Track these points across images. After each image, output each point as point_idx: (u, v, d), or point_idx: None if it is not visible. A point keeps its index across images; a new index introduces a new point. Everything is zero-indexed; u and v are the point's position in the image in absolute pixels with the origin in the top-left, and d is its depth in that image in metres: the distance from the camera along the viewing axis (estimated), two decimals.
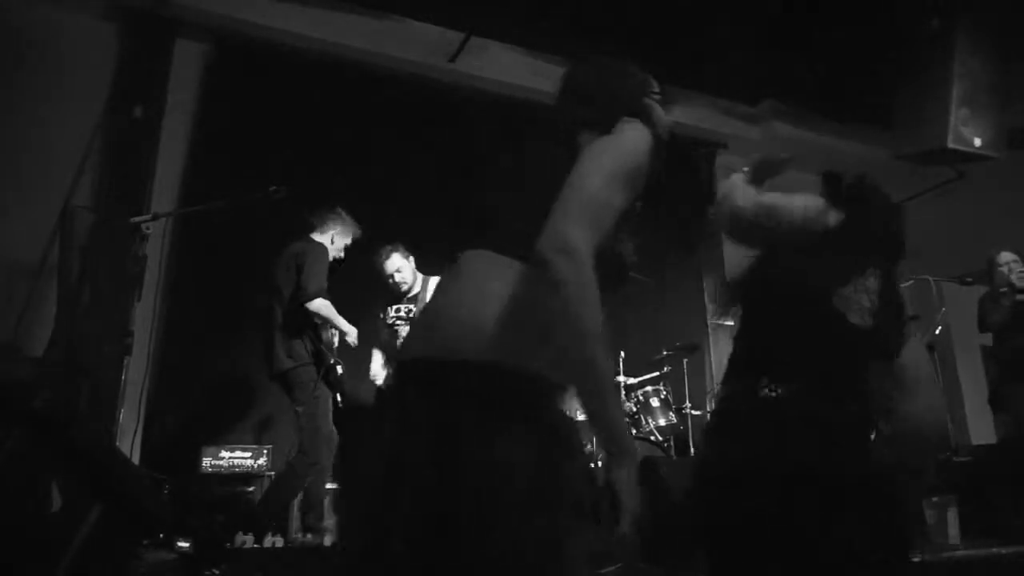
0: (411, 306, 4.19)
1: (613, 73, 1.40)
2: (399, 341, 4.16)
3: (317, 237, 3.88)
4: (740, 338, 1.74)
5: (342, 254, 4.00)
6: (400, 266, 4.21)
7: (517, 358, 1.10)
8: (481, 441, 1.06)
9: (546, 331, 1.08)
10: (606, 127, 1.21)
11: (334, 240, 3.93)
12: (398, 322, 4.21)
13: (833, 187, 1.81)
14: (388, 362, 4.26)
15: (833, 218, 1.73)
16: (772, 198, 1.83)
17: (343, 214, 4.01)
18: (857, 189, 1.83)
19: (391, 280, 4.21)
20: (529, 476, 1.06)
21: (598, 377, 1.08)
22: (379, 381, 4.24)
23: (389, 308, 4.29)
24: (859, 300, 1.60)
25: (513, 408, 1.08)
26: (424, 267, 4.44)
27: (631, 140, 1.21)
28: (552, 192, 1.13)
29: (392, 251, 4.23)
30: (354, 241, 4.08)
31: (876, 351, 1.61)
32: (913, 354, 1.68)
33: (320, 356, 3.64)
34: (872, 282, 1.64)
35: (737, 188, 1.89)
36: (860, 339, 1.57)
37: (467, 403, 1.08)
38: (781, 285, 1.71)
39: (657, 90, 1.44)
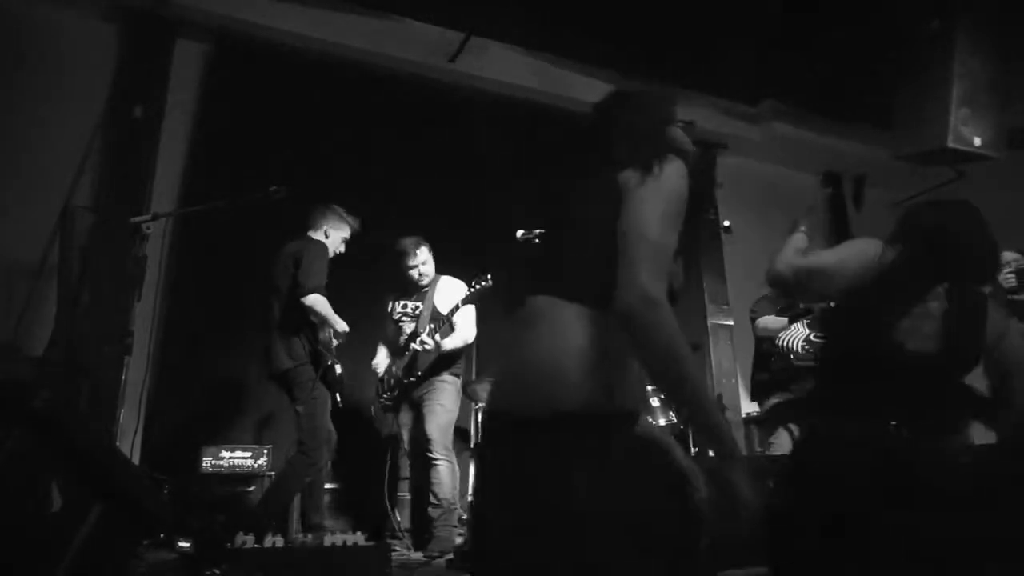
0: (418, 303, 4.18)
1: (648, 110, 1.48)
2: (403, 337, 4.15)
3: (314, 235, 3.87)
4: (821, 382, 1.92)
5: (342, 248, 3.99)
6: (426, 259, 4.21)
7: (602, 403, 1.20)
8: (587, 487, 1.15)
9: (623, 372, 1.23)
10: (646, 165, 1.30)
11: (329, 235, 3.91)
12: (404, 318, 4.20)
13: (902, 225, 1.96)
14: (391, 355, 4.25)
15: (888, 256, 1.86)
16: (820, 259, 1.96)
17: (338, 210, 3.99)
18: (912, 220, 1.99)
19: (416, 272, 4.17)
20: (634, 513, 1.16)
21: (697, 394, 1.20)
22: (380, 371, 4.23)
23: (396, 303, 4.28)
24: (920, 327, 1.70)
25: (607, 450, 1.19)
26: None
27: (674, 179, 1.32)
28: (604, 234, 1.25)
29: (420, 243, 4.21)
30: (353, 235, 4.05)
31: (950, 370, 1.73)
32: (1014, 340, 1.79)
33: (317, 356, 3.63)
34: (935, 306, 1.74)
35: (782, 255, 2.06)
36: (926, 364, 1.68)
37: (566, 453, 1.17)
38: (844, 328, 1.84)
39: (683, 119, 1.55)
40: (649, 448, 1.28)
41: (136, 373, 3.68)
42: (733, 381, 6.29)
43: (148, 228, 3.37)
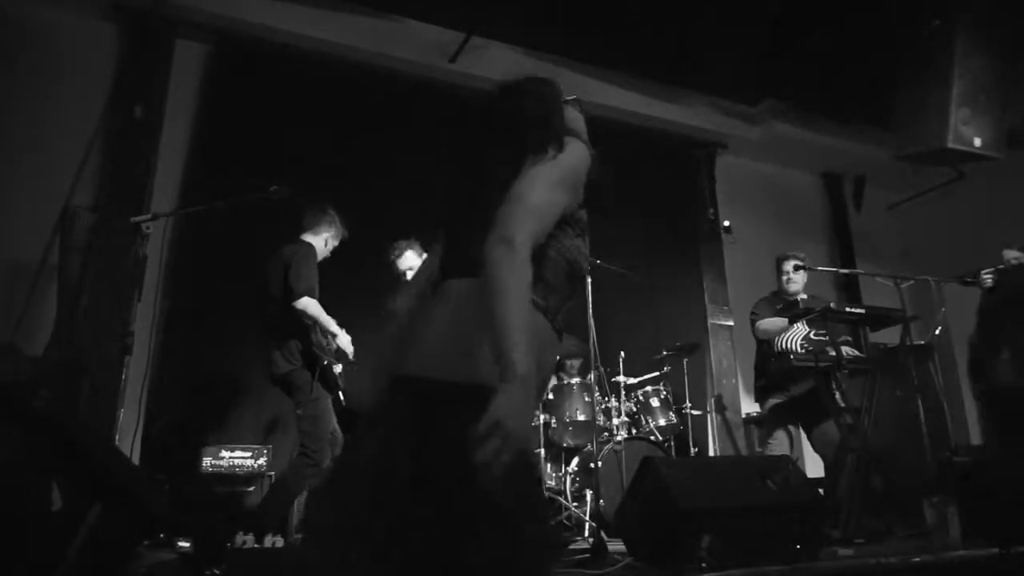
0: None
1: (535, 97, 1.55)
2: None
3: (308, 238, 3.86)
4: None
5: (328, 255, 3.97)
6: (414, 263, 4.18)
7: (480, 372, 1.21)
8: (452, 445, 1.14)
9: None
10: (541, 147, 1.36)
11: (328, 243, 3.91)
12: None
13: None
14: None
15: None
16: None
17: (334, 215, 3.98)
18: None
19: (403, 277, 4.18)
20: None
21: (510, 325, 1.14)
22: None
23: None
24: None
25: (476, 413, 1.13)
26: None
27: (567, 155, 1.38)
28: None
29: (407, 247, 4.18)
30: (342, 243, 4.03)
31: None
32: None
33: (311, 357, 3.62)
34: None
35: None
36: None
37: (443, 411, 1.21)
38: None
39: (570, 96, 1.62)
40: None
41: (136, 373, 3.68)
42: (733, 381, 6.29)
43: (148, 228, 3.36)
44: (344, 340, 3.78)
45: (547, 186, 1.31)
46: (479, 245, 1.24)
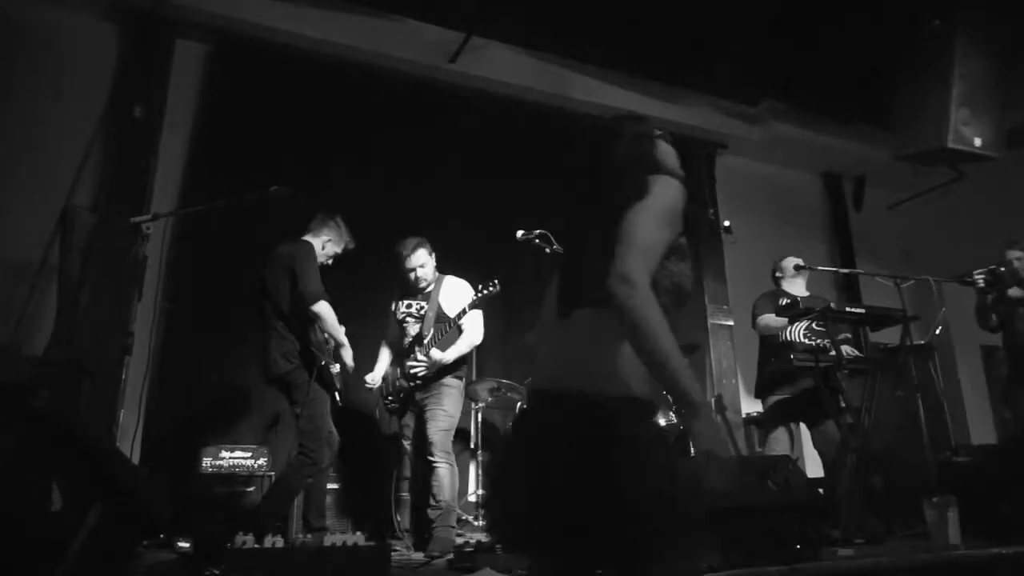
0: (423, 303, 4.16)
1: (631, 138, 1.72)
2: (407, 339, 4.14)
3: (310, 239, 3.85)
4: None
5: (330, 262, 3.96)
6: (424, 262, 4.16)
7: (630, 387, 1.47)
8: (624, 445, 1.40)
9: (630, 356, 1.43)
10: (640, 187, 1.56)
11: (325, 247, 3.90)
12: (408, 318, 4.18)
13: None
14: (395, 359, 4.24)
15: None
16: None
17: (340, 223, 3.97)
18: None
19: (412, 274, 4.16)
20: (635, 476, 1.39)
21: (669, 363, 1.37)
22: (377, 382, 4.22)
23: (399, 303, 4.26)
24: None
25: (618, 425, 1.42)
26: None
27: (664, 194, 1.59)
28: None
29: (418, 246, 4.16)
30: (345, 252, 4.03)
31: None
32: None
33: (309, 357, 3.62)
34: None
35: None
36: None
37: (606, 419, 1.42)
38: None
39: (658, 131, 1.77)
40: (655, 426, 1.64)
41: (136, 373, 3.68)
42: (733, 381, 6.29)
43: (148, 228, 3.36)
44: (347, 354, 3.77)
45: (652, 225, 1.52)
46: (592, 281, 1.46)
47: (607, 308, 1.43)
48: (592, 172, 1.74)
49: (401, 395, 4.13)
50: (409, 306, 4.20)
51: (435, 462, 3.89)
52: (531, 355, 1.88)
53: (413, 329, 4.14)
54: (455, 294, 4.14)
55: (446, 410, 3.97)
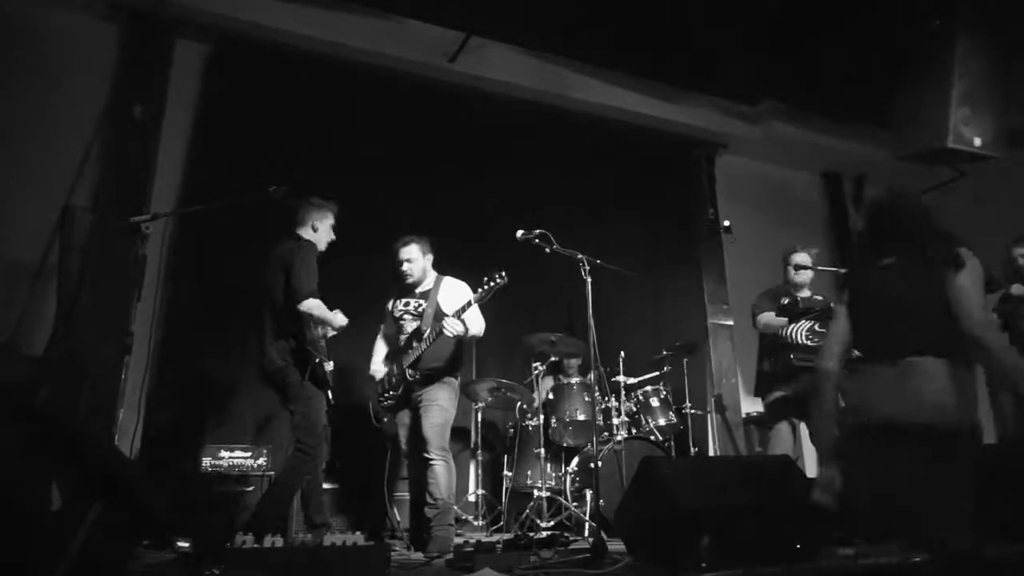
0: (421, 301, 4.16)
1: (924, 215, 2.64)
2: (404, 336, 4.14)
3: (302, 232, 3.85)
4: None
5: (333, 236, 3.94)
6: (413, 256, 4.15)
7: (973, 418, 2.28)
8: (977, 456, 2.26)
9: (974, 401, 2.28)
10: (955, 259, 2.34)
11: (317, 228, 3.89)
12: (406, 315, 4.18)
13: None
14: (390, 356, 4.23)
15: None
16: None
17: (315, 200, 3.94)
18: None
19: (401, 267, 4.17)
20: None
21: None
22: (378, 377, 4.22)
23: (397, 301, 4.26)
24: None
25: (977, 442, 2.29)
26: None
27: (974, 264, 2.32)
28: (939, 309, 2.32)
29: (411, 241, 4.17)
30: (337, 218, 3.96)
31: None
32: None
33: (304, 355, 3.62)
34: None
35: None
36: None
37: (958, 444, 2.25)
38: None
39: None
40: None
41: (136, 373, 3.68)
42: (733, 381, 6.29)
43: (148, 228, 3.36)
44: (340, 318, 3.79)
45: (979, 292, 2.28)
46: (909, 338, 2.32)
47: (947, 357, 2.22)
48: (886, 236, 2.55)
49: (399, 391, 4.13)
50: (407, 304, 4.19)
51: (431, 459, 3.87)
52: (849, 391, 2.52)
53: (411, 326, 4.13)
54: (454, 294, 4.14)
55: (441, 405, 3.96)
